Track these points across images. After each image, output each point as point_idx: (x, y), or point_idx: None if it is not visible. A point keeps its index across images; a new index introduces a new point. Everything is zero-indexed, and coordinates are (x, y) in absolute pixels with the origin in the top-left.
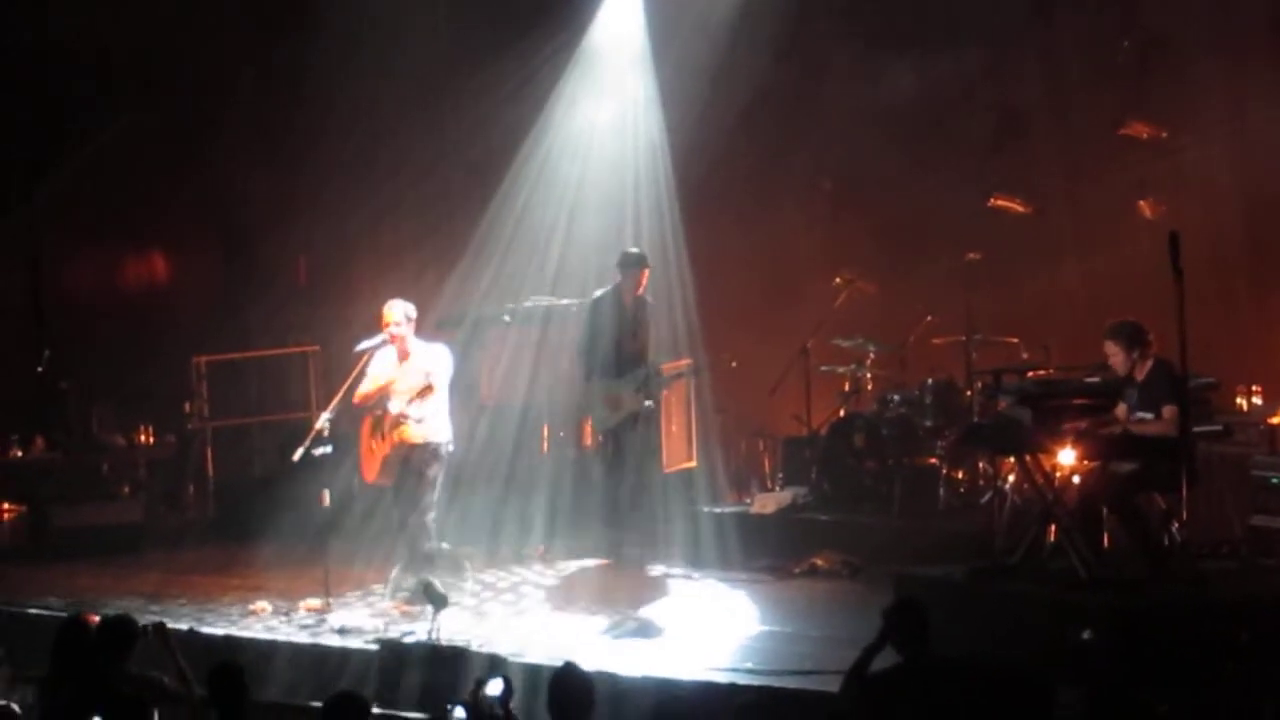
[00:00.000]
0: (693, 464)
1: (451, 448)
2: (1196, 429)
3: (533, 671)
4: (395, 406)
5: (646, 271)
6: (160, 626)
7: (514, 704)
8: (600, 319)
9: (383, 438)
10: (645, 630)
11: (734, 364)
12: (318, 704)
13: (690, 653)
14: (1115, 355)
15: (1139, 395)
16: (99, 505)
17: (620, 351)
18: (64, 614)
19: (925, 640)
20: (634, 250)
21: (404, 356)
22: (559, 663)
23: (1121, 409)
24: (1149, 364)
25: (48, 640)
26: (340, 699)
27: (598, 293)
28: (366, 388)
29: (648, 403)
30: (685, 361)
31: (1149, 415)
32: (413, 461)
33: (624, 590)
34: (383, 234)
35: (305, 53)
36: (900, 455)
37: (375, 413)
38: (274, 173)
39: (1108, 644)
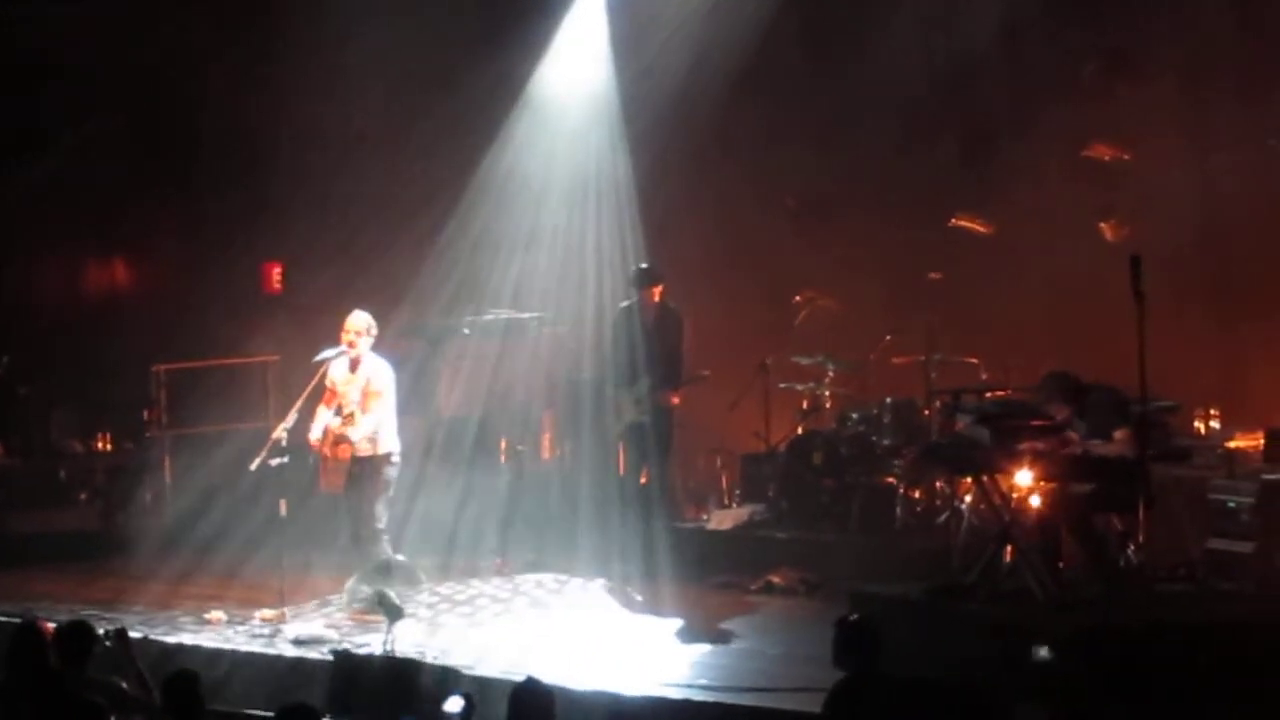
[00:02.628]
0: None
1: (397, 458)
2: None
3: (486, 684)
4: (336, 421)
5: (656, 288)
6: (121, 632)
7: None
8: (618, 329)
9: (332, 449)
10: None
11: (706, 373)
12: (270, 714)
13: (645, 668)
14: (1061, 412)
15: (1087, 425)
16: (56, 511)
17: (638, 361)
18: (18, 620)
19: (872, 658)
20: (643, 266)
21: (354, 367)
22: (514, 675)
23: (1074, 437)
24: (1089, 392)
25: (3, 647)
26: (291, 709)
27: (624, 303)
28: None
29: (644, 418)
30: (704, 372)
31: (1099, 441)
32: (360, 474)
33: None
34: (345, 243)
35: (271, 58)
36: (858, 473)
37: (330, 424)
38: (239, 180)
39: (1064, 664)
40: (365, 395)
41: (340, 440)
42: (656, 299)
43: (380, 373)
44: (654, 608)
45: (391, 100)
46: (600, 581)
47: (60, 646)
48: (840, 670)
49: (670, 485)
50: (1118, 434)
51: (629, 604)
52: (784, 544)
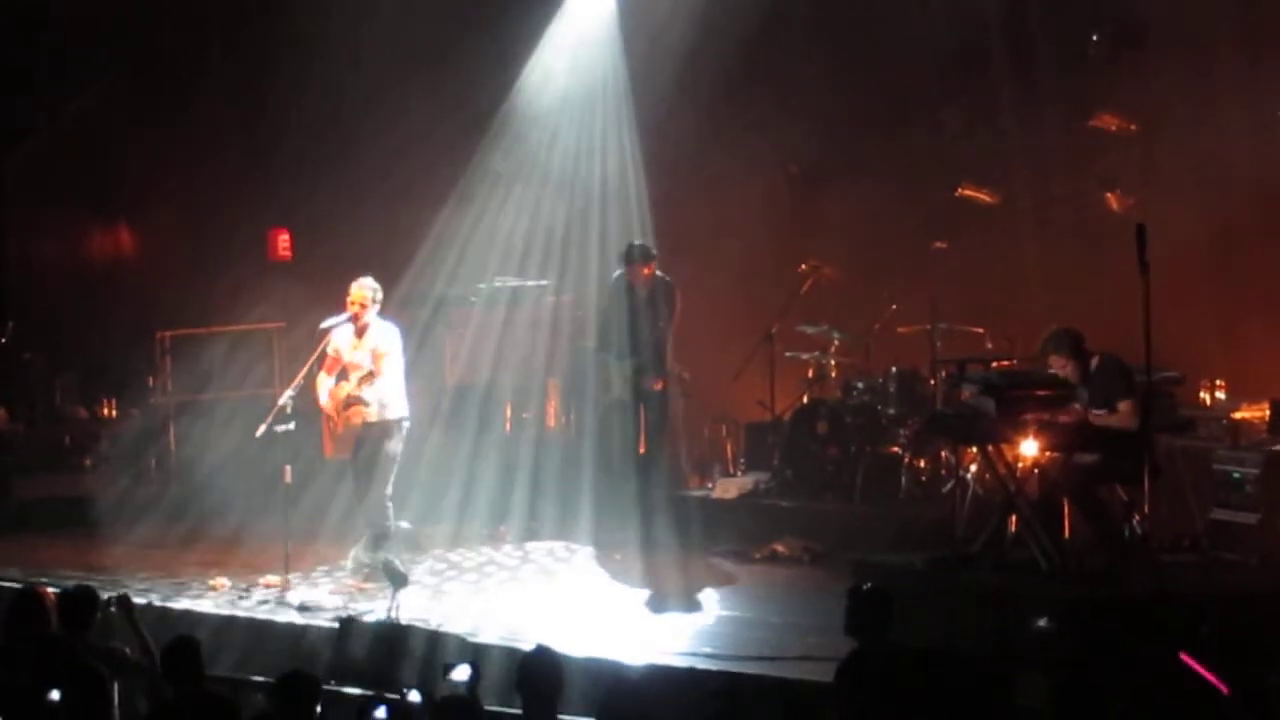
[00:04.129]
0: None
1: (408, 424)
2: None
3: (484, 651)
4: (347, 386)
5: (643, 267)
6: (124, 599)
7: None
8: (613, 299)
9: (339, 414)
10: None
11: (687, 375)
12: (272, 679)
13: (649, 636)
14: (1064, 367)
15: (1089, 393)
16: (60, 477)
17: (635, 334)
18: (20, 586)
19: (884, 628)
20: (634, 244)
21: (360, 333)
22: (513, 643)
23: (1077, 408)
24: (1095, 361)
25: (4, 613)
26: (292, 676)
27: (617, 272)
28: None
29: (628, 398)
30: (685, 374)
31: (1102, 411)
32: (368, 439)
33: (582, 571)
34: (350, 210)
35: (276, 23)
36: (863, 443)
37: (335, 389)
38: (244, 145)
39: (1067, 634)
40: (375, 359)
41: (353, 403)
42: (647, 275)
43: (387, 334)
44: (649, 577)
45: (397, 69)
46: (596, 549)
47: (63, 612)
48: (850, 639)
49: (675, 454)
50: (1121, 405)
51: (629, 573)
52: (788, 513)
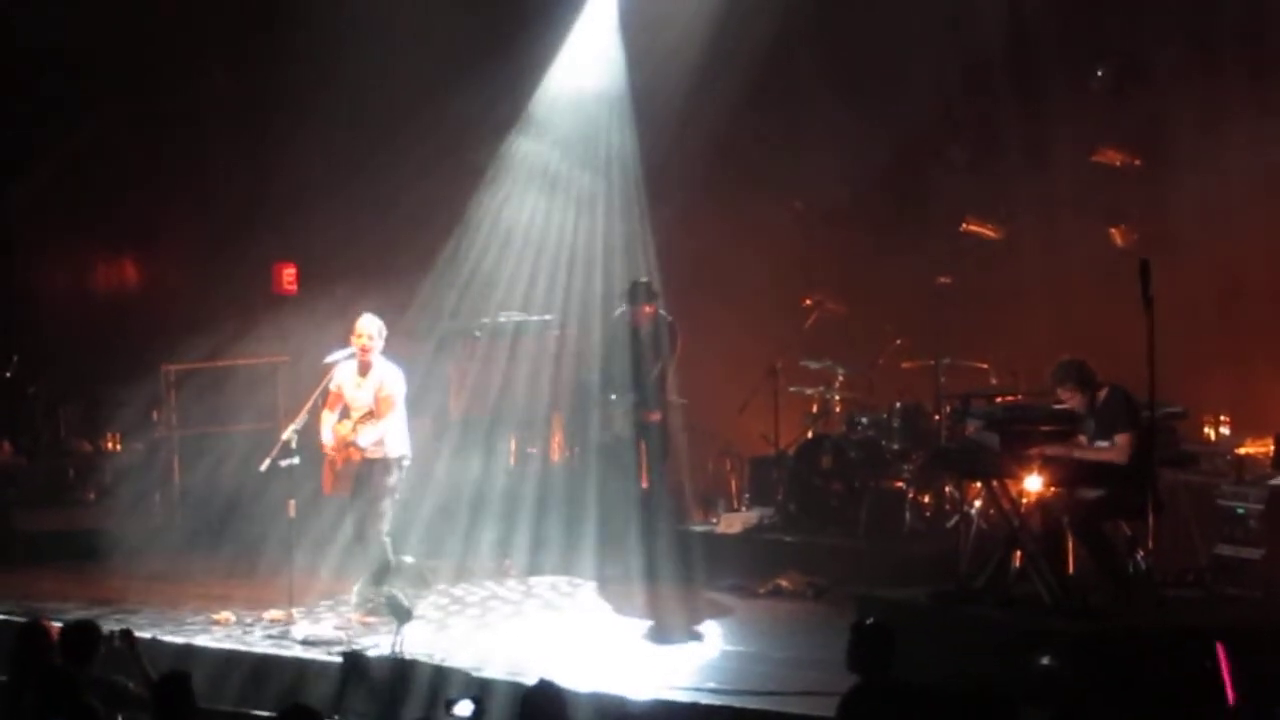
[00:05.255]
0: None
1: (408, 462)
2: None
3: (489, 686)
4: (346, 425)
5: (646, 305)
6: (127, 633)
7: None
8: (612, 336)
9: (340, 452)
10: None
11: (684, 400)
12: (273, 715)
13: (652, 671)
14: (1071, 398)
15: (1095, 425)
16: (64, 510)
17: (636, 370)
18: (24, 619)
19: (888, 664)
20: (638, 282)
21: (364, 371)
22: (518, 677)
23: (1082, 439)
24: (1103, 393)
25: (9, 645)
26: (294, 711)
27: (619, 310)
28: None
29: (625, 433)
30: (682, 400)
31: (1106, 444)
32: (368, 475)
33: (586, 606)
34: (354, 244)
35: (282, 57)
36: (867, 478)
37: (337, 426)
38: (250, 177)
39: (1072, 669)
40: (378, 401)
41: (349, 444)
42: (649, 313)
43: (393, 379)
44: (653, 611)
45: (402, 101)
46: (600, 584)
47: (65, 646)
48: (853, 674)
49: (678, 488)
50: (1119, 438)
51: (633, 607)
52: (792, 548)
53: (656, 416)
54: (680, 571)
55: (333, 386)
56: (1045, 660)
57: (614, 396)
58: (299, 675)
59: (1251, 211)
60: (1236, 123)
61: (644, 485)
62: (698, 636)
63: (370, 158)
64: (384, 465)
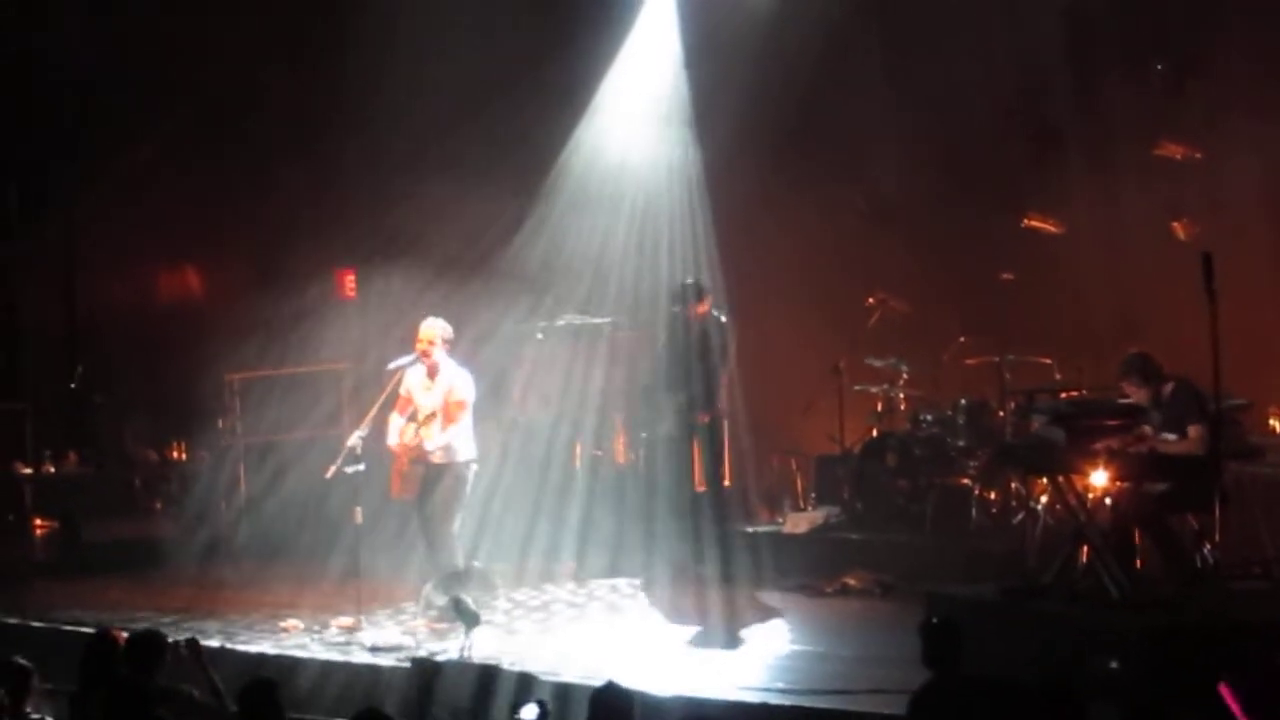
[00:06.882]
0: (726, 483)
1: (475, 466)
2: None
3: (564, 690)
4: (413, 428)
5: (697, 305)
6: (193, 642)
7: None
8: (666, 336)
9: (407, 455)
10: None
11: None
12: None
13: (722, 671)
14: (1136, 393)
15: (1162, 417)
16: (130, 520)
17: (686, 368)
18: (93, 629)
19: (957, 659)
20: (687, 282)
21: (432, 374)
22: (590, 680)
23: (1148, 432)
24: (1169, 386)
25: (79, 655)
26: (365, 716)
27: (674, 308)
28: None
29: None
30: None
31: (1173, 436)
32: (436, 480)
33: (650, 607)
34: (417, 249)
35: (337, 63)
36: (933, 475)
37: (404, 429)
38: (309, 185)
39: (1140, 664)
40: (448, 405)
41: (417, 448)
42: (701, 313)
43: (463, 383)
44: (720, 612)
45: (461, 108)
46: (662, 585)
47: (131, 655)
48: (928, 670)
49: (743, 488)
50: (1191, 430)
51: (697, 608)
52: (859, 546)
53: (706, 418)
54: (746, 571)
55: (402, 390)
56: (1114, 665)
57: (662, 390)
58: (368, 682)
59: None
60: None
61: (699, 489)
62: (766, 636)
63: (429, 163)
64: (452, 470)
